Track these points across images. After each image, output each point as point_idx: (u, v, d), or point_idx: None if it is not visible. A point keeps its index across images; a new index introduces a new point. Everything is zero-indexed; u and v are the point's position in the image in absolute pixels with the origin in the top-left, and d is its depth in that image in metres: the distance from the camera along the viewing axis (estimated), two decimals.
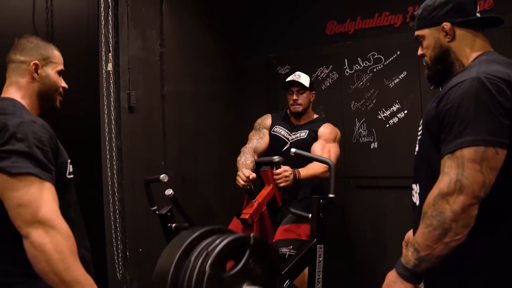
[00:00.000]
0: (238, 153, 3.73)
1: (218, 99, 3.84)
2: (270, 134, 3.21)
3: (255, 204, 2.64)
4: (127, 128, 3.13)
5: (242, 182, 2.71)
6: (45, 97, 1.55)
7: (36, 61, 1.53)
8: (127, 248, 3.07)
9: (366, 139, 3.57)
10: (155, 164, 3.31)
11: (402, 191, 3.45)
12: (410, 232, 1.94)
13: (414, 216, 1.71)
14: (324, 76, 3.74)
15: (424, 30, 1.63)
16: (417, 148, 1.68)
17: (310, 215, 2.53)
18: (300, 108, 3.15)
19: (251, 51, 4.04)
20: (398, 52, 3.43)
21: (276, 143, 3.17)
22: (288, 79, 3.18)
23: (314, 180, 2.85)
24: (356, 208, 3.66)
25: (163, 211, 2.61)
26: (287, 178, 2.68)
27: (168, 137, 3.38)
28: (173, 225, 2.63)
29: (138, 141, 3.21)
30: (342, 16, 3.67)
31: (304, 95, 3.15)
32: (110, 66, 2.84)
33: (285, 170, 2.68)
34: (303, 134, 3.13)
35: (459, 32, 1.57)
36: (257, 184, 2.82)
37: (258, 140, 3.22)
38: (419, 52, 1.69)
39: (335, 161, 2.89)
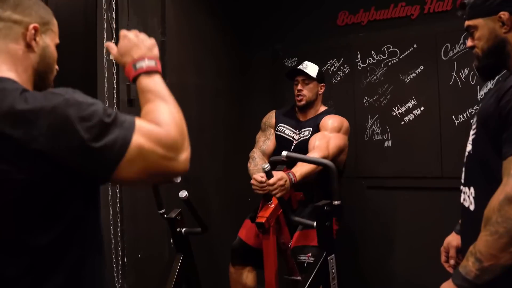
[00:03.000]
0: (243, 149, 3.68)
1: (223, 93, 3.76)
2: (275, 133, 3.13)
3: (272, 207, 2.58)
4: None
5: (259, 191, 2.59)
6: (41, 75, 1.20)
7: (37, 25, 1.17)
8: (125, 254, 2.99)
9: (379, 137, 3.53)
10: None
11: (416, 192, 3.44)
12: (450, 238, 1.91)
13: (464, 222, 1.67)
14: (334, 69, 3.68)
15: (477, 20, 1.59)
16: (469, 148, 1.64)
17: (315, 223, 2.42)
18: (303, 101, 3.04)
19: (258, 42, 3.95)
20: (415, 45, 3.39)
21: (281, 144, 3.06)
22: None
23: (311, 176, 2.70)
24: (367, 210, 3.61)
25: (173, 215, 2.54)
26: (283, 188, 2.47)
27: None
28: (183, 229, 2.57)
29: None
30: (355, 6, 3.61)
31: (310, 86, 3.04)
32: None
33: (279, 179, 2.45)
34: (306, 133, 3.01)
35: None
36: None
37: (265, 141, 3.15)
38: (469, 43, 1.66)
39: (335, 152, 2.80)
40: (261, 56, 3.94)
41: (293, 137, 3.05)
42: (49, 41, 1.21)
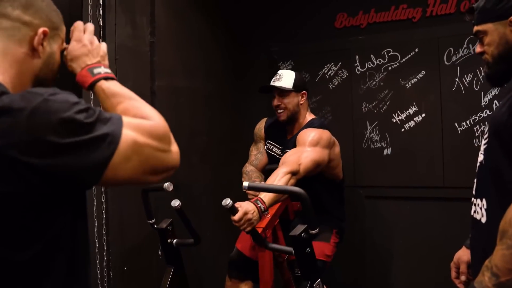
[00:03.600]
0: (237, 156, 3.64)
1: (216, 97, 3.70)
2: (265, 149, 3.07)
3: (268, 217, 2.52)
4: None
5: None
6: (42, 82, 1.15)
7: (46, 29, 1.13)
8: (110, 267, 2.91)
9: (378, 145, 3.49)
10: None
11: (416, 202, 3.41)
12: (460, 252, 1.89)
13: (475, 235, 1.65)
14: (332, 74, 3.63)
15: (487, 25, 1.57)
16: (481, 158, 1.61)
17: (292, 250, 2.23)
18: (284, 116, 2.88)
19: (253, 44, 3.90)
20: (417, 50, 3.36)
21: (270, 160, 3.01)
22: (272, 82, 2.93)
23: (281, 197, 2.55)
24: (365, 220, 3.57)
25: (163, 225, 2.48)
26: (251, 221, 2.26)
27: None
28: (174, 241, 2.51)
29: None
30: (354, 7, 3.57)
31: (288, 99, 2.88)
32: None
33: (245, 213, 2.23)
34: None
35: None
36: None
37: (257, 155, 3.08)
38: (478, 49, 1.63)
39: (309, 166, 2.60)
40: (256, 59, 3.88)
41: (279, 155, 2.95)
42: (56, 47, 1.17)
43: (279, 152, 2.97)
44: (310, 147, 2.68)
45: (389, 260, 3.51)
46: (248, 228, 2.27)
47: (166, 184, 2.40)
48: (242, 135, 3.70)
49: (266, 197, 2.37)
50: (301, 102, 2.92)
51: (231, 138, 3.78)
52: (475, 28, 1.61)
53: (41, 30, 1.11)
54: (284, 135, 2.99)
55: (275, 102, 2.91)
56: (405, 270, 3.46)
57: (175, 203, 2.37)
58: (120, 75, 2.99)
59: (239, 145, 3.66)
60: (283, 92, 2.88)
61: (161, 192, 2.66)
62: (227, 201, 2.20)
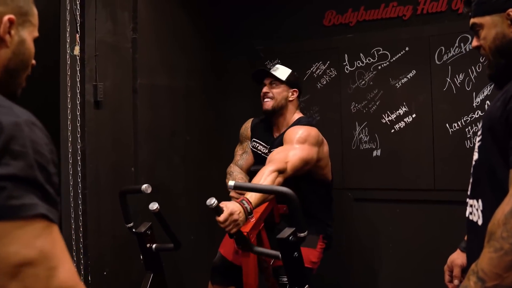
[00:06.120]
0: (218, 156, 3.60)
1: (198, 96, 3.65)
2: (251, 148, 3.00)
3: (253, 221, 2.44)
4: (92, 127, 2.93)
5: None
6: (12, 73, 1.08)
7: (12, 16, 1.05)
8: (89, 271, 2.89)
9: (367, 146, 3.44)
10: (124, 169, 3.12)
11: (407, 205, 3.36)
12: (454, 255, 1.84)
13: (471, 238, 1.60)
14: (320, 73, 3.58)
15: (484, 18, 1.52)
16: (476, 157, 1.55)
17: (280, 254, 2.14)
18: (270, 104, 2.82)
19: (237, 42, 3.84)
20: (407, 48, 3.31)
21: (256, 159, 2.95)
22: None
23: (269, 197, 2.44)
24: (354, 223, 3.52)
25: (142, 229, 2.40)
26: (236, 222, 2.16)
27: (139, 138, 3.19)
28: (154, 245, 2.44)
29: (105, 142, 3.01)
30: (343, 5, 3.52)
31: (278, 89, 2.84)
32: (77, 50, 2.60)
33: (230, 214, 2.12)
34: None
35: None
36: None
37: (242, 155, 3.02)
38: (474, 43, 1.58)
39: (297, 165, 2.53)
40: (241, 57, 3.82)
41: (265, 154, 2.88)
42: (26, 34, 1.09)
43: (265, 151, 2.90)
44: (298, 144, 2.61)
45: (378, 264, 3.46)
46: (234, 230, 2.17)
47: (144, 186, 2.32)
48: (223, 135, 3.66)
49: (252, 197, 2.26)
50: (290, 99, 2.87)
51: (212, 138, 3.74)
52: (472, 20, 1.56)
53: (6, 17, 1.03)
54: (270, 134, 2.93)
55: (264, 89, 2.87)
56: (394, 275, 3.41)
57: (153, 206, 2.29)
58: (100, 73, 2.94)
59: (220, 144, 3.63)
60: (275, 81, 2.86)
61: (140, 194, 2.58)
62: (212, 201, 2.08)
